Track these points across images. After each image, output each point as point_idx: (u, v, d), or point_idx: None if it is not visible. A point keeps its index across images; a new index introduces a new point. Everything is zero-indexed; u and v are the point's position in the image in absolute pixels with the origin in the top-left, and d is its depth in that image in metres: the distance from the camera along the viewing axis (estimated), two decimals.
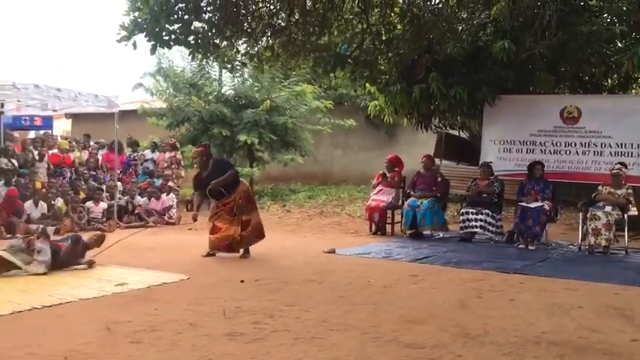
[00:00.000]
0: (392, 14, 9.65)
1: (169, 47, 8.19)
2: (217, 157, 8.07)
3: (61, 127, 18.51)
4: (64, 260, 6.36)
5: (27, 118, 13.04)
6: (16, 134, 12.27)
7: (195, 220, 7.61)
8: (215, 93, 15.04)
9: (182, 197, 12.84)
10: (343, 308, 4.76)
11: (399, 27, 9.82)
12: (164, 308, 4.68)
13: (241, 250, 7.32)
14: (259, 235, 7.44)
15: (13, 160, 10.47)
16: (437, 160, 10.23)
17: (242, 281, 5.78)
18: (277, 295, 5.24)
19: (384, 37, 9.90)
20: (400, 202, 9.66)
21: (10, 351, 3.56)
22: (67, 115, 18.25)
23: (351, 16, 9.69)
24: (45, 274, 6.04)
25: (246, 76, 15.50)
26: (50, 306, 4.78)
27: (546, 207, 8.27)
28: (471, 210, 8.83)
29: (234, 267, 6.67)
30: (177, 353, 3.58)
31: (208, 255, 7.32)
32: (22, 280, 5.79)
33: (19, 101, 10.40)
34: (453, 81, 9.34)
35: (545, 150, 9.54)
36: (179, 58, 15.02)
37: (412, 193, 9.32)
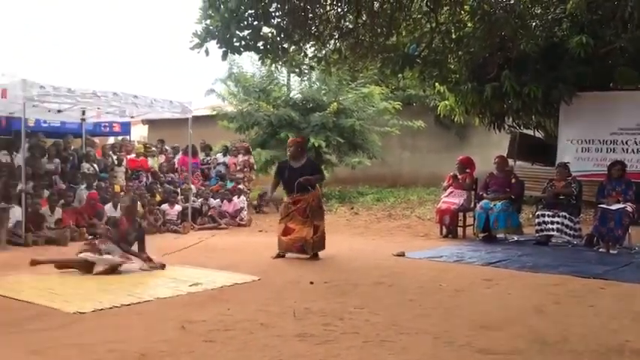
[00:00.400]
0: (462, 12, 9.45)
1: (240, 53, 8.35)
2: (312, 158, 8.27)
3: (138, 133, 19.29)
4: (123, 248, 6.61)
5: (106, 124, 13.62)
6: (96, 140, 12.90)
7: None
8: (283, 97, 15.24)
9: (250, 200, 13.08)
10: (413, 312, 4.70)
11: (469, 25, 9.60)
12: (236, 308, 4.78)
13: (310, 253, 7.36)
14: (324, 243, 7.47)
15: (94, 165, 11.02)
16: (510, 161, 9.94)
17: (311, 283, 5.81)
18: (346, 297, 5.24)
19: (453, 36, 9.70)
20: (472, 205, 9.44)
21: (92, 347, 3.73)
22: (144, 121, 18.98)
23: (419, 16, 9.56)
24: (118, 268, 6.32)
25: (313, 79, 15.63)
26: (129, 304, 4.97)
27: (629, 209, 7.84)
28: (547, 212, 8.50)
29: (303, 269, 6.71)
30: (249, 353, 3.64)
31: (278, 256, 7.41)
32: (104, 279, 6.06)
33: (99, 108, 10.91)
34: (526, 79, 9.05)
35: (627, 149, 9.08)
36: (249, 63, 15.36)
37: (485, 195, 9.08)
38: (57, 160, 10.36)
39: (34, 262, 6.42)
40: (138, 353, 3.59)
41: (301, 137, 8.13)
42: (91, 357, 3.54)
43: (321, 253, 7.42)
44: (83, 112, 11.58)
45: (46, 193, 9.68)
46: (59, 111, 10.95)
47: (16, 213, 8.66)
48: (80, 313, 4.65)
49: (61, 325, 4.31)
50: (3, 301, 5.15)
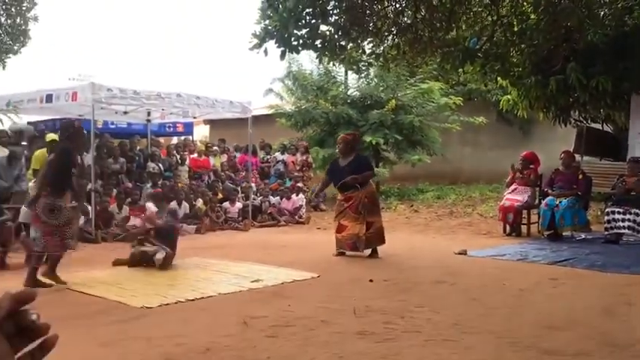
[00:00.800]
0: (524, 3, 9.18)
1: (298, 52, 8.41)
2: (363, 155, 8.20)
3: (201, 133, 19.76)
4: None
5: (170, 125, 14.05)
6: (161, 140, 13.31)
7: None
8: (341, 95, 15.24)
9: (307, 198, 13.16)
10: (476, 311, 4.60)
11: (532, 16, 9.30)
12: (297, 305, 4.82)
13: (367, 251, 7.32)
14: (381, 239, 7.39)
15: (159, 164, 11.37)
16: (577, 156, 9.57)
17: (371, 281, 5.79)
18: (407, 295, 5.19)
19: (516, 28, 9.43)
20: (537, 202, 9.16)
21: (158, 340, 3.85)
22: (206, 121, 19.42)
23: (480, 9, 9.35)
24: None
25: (371, 76, 15.55)
26: (193, 300, 5.11)
27: None
28: (617, 209, 8.13)
29: (363, 266, 6.70)
30: (310, 349, 3.66)
31: (339, 254, 7.42)
32: (169, 275, 6.26)
33: (163, 110, 11.26)
34: (594, 71, 8.69)
35: None
36: (307, 61, 15.47)
37: (550, 191, 8.80)
38: (122, 160, 10.75)
39: (117, 263, 6.73)
40: (203, 347, 3.68)
41: (351, 134, 7.98)
42: (157, 350, 3.65)
43: (380, 251, 7.38)
44: (148, 114, 11.98)
45: (114, 191, 10.07)
46: (125, 112, 11.37)
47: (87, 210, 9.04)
48: (147, 307, 4.81)
49: (128, 318, 4.48)
50: (75, 295, 5.40)
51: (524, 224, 9.16)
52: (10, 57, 20.86)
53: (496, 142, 16.13)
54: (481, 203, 12.97)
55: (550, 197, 8.68)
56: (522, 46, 9.62)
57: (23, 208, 7.40)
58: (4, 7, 19.97)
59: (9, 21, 20.22)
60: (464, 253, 7.50)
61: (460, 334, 3.95)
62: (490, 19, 9.35)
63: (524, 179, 9.30)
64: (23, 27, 20.50)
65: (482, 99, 16.33)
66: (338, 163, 7.46)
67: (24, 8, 20.23)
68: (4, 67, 20.88)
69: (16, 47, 20.79)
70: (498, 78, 10.48)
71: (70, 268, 6.77)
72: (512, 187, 9.38)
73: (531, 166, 9.38)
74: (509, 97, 10.67)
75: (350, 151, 7.45)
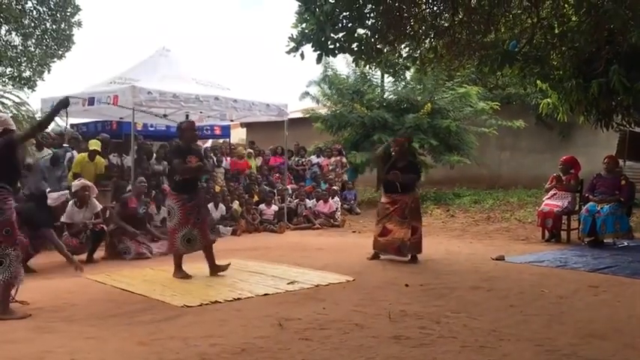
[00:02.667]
0: (565, 5, 8.98)
1: (334, 55, 8.40)
2: (415, 160, 8.28)
3: (237, 136, 19.98)
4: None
5: (208, 127, 14.23)
6: (200, 143, 13.49)
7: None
8: (377, 98, 15.20)
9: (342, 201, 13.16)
10: (514, 318, 4.53)
11: (573, 19, 9.10)
12: (331, 308, 4.83)
13: (409, 255, 7.29)
14: (420, 247, 7.35)
15: None
16: (620, 161, 9.32)
17: (407, 285, 5.76)
18: (443, 300, 5.14)
19: (556, 31, 9.23)
20: (577, 207, 8.96)
21: (196, 340, 3.91)
22: (242, 124, 19.64)
23: (519, 11, 9.19)
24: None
25: (408, 79, 15.46)
26: (231, 300, 5.18)
27: None
28: None
29: (398, 271, 6.66)
30: (344, 352, 3.66)
31: (374, 257, 7.40)
32: (207, 275, 6.34)
33: (201, 112, 11.42)
34: (638, 73, 8.44)
35: None
36: (343, 65, 15.50)
37: (591, 197, 8.60)
38: (165, 162, 10.94)
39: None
40: (238, 348, 3.72)
41: (406, 138, 8.09)
42: (194, 350, 3.70)
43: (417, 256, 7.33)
44: (187, 116, 12.16)
45: (153, 193, 10.25)
46: (165, 115, 11.58)
47: None
48: (187, 306, 4.90)
49: (166, 318, 4.56)
50: (116, 293, 5.53)
51: (563, 230, 8.97)
52: (55, 61, 21.51)
53: (535, 146, 15.84)
54: (519, 208, 12.75)
55: (591, 203, 8.48)
56: (563, 48, 9.41)
57: (66, 209, 7.62)
58: (49, 13, 20.60)
59: (54, 26, 20.84)
60: (501, 258, 7.39)
61: (497, 340, 3.90)
62: (530, 21, 9.19)
63: (564, 184, 9.11)
64: (68, 32, 21.11)
65: (521, 102, 16.06)
66: (395, 163, 7.45)
67: (68, 14, 20.83)
68: (49, 71, 21.54)
69: (60, 52, 21.41)
70: (538, 81, 10.28)
71: (118, 267, 6.95)
72: (552, 192, 9.20)
73: (571, 171, 9.18)
74: (549, 100, 10.45)
75: (405, 155, 7.49)
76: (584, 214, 8.44)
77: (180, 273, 6.29)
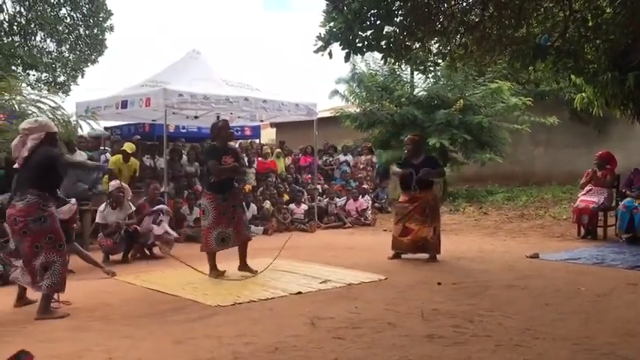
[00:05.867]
0: None
1: (362, 54, 8.37)
2: (431, 155, 8.17)
3: (267, 136, 20.08)
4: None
5: (238, 128, 14.35)
6: (230, 144, 13.60)
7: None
8: (407, 95, 15.09)
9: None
10: (550, 317, 4.45)
11: (608, 10, 8.89)
12: (364, 307, 4.82)
13: (426, 255, 7.20)
14: (439, 247, 7.23)
15: None
16: None
17: (439, 284, 5.71)
18: (476, 299, 5.08)
19: (590, 23, 9.03)
20: (614, 203, 8.76)
21: (230, 339, 3.95)
22: (272, 124, 19.73)
23: (551, 4, 9.02)
24: None
25: (438, 75, 15.31)
26: (265, 299, 5.21)
27: None
28: None
29: (430, 269, 6.61)
30: (377, 351, 3.65)
31: (395, 257, 7.34)
32: (238, 275, 6.39)
33: (231, 113, 11.52)
34: None
35: None
36: (372, 62, 15.40)
37: (629, 192, 8.40)
38: (196, 164, 11.08)
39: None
40: (272, 347, 3.74)
41: (417, 134, 8.00)
42: (228, 349, 3.74)
43: (448, 254, 7.26)
44: (217, 118, 12.27)
45: (185, 193, 10.39)
46: (196, 117, 11.72)
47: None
48: (221, 306, 4.94)
49: (200, 317, 4.61)
50: (149, 293, 5.61)
51: (600, 227, 8.78)
52: (88, 66, 21.97)
53: (569, 141, 15.54)
54: (554, 205, 12.53)
55: (629, 198, 8.28)
56: (597, 41, 9.19)
57: (99, 210, 7.78)
58: (82, 19, 21.04)
59: (87, 32, 21.29)
60: (536, 256, 7.27)
61: (532, 339, 3.84)
62: (562, 14, 9.00)
63: (600, 180, 8.91)
64: (100, 37, 21.54)
65: (554, 97, 15.76)
66: (411, 162, 7.37)
67: (100, 19, 21.24)
68: (82, 76, 22.02)
69: (93, 57, 21.86)
70: (572, 75, 10.08)
71: (150, 267, 7.07)
72: (588, 188, 9.02)
73: (608, 167, 8.98)
74: (583, 94, 10.24)
75: (419, 151, 7.42)
76: (622, 210, 8.25)
77: (214, 272, 6.35)
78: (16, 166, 5.05)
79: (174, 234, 8.21)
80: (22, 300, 5.10)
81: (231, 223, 6.34)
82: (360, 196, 12.03)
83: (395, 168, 7.75)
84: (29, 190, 4.71)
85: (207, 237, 6.33)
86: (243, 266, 6.55)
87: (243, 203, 7.69)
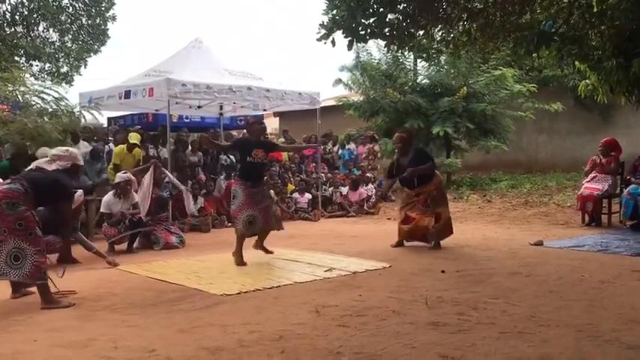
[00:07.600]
0: None
1: (365, 41, 8.32)
2: (419, 147, 8.05)
3: (271, 125, 20.06)
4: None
5: (242, 118, 14.31)
6: (234, 133, 13.60)
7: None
8: (410, 83, 15.03)
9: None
10: (554, 304, 4.45)
11: None
12: (368, 294, 4.83)
13: (432, 242, 7.23)
14: (449, 230, 7.28)
15: (231, 157, 11.64)
16: None
17: (443, 271, 5.72)
18: (480, 286, 5.09)
19: (595, 9, 8.96)
20: (618, 190, 8.74)
21: (235, 327, 3.97)
22: (275, 114, 19.71)
23: None
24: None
25: (442, 63, 15.25)
26: (270, 288, 5.23)
27: None
28: None
29: (434, 257, 6.62)
30: (381, 339, 3.66)
31: (398, 245, 7.36)
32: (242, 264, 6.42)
33: (234, 103, 11.51)
34: None
35: None
36: (375, 50, 15.34)
37: (633, 179, 8.38)
38: (200, 154, 11.08)
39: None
40: (276, 335, 3.76)
41: (406, 131, 7.84)
42: (233, 337, 3.76)
43: (452, 242, 7.27)
44: (221, 107, 12.28)
45: (189, 183, 10.40)
46: (199, 107, 11.70)
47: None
48: (226, 295, 4.96)
49: (204, 306, 4.63)
50: (154, 283, 5.64)
51: (604, 214, 8.77)
52: (91, 56, 21.93)
53: (574, 128, 15.49)
54: (558, 192, 12.51)
55: (633, 185, 8.26)
56: (602, 27, 9.12)
57: (104, 200, 7.80)
58: (85, 8, 20.98)
59: (89, 22, 21.24)
60: (540, 244, 7.27)
61: (537, 326, 3.84)
62: (567, 0, 8.94)
63: (604, 167, 8.89)
64: (103, 27, 21.49)
65: (558, 84, 15.69)
66: (400, 163, 7.31)
67: (103, 9, 21.18)
68: (85, 66, 22.00)
69: (96, 46, 21.82)
70: (576, 62, 10.01)
71: (150, 257, 7.10)
72: (592, 175, 9.00)
73: (612, 153, 8.96)
74: (587, 81, 10.17)
75: (408, 148, 7.31)
76: (626, 197, 8.24)
77: (238, 257, 6.47)
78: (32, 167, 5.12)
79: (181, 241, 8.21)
80: (18, 290, 5.06)
81: (259, 208, 6.53)
82: (364, 185, 12.02)
83: (384, 181, 7.80)
84: (24, 184, 4.73)
85: (237, 219, 6.58)
86: (260, 246, 6.85)
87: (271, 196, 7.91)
